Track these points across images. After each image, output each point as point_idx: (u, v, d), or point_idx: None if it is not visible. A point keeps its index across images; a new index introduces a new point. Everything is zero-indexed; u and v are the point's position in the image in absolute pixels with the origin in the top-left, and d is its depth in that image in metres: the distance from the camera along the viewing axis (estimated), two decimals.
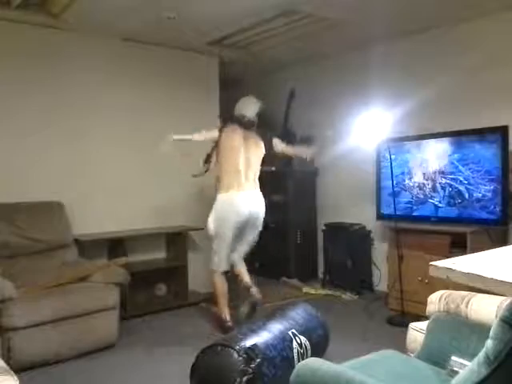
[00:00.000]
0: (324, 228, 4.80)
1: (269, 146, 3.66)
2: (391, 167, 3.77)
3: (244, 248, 3.63)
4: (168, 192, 4.46)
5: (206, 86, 4.76)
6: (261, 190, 3.57)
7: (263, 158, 3.63)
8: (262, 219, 3.56)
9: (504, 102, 3.55)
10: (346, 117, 4.12)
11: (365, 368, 1.65)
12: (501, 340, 1.02)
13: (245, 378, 2.10)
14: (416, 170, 3.88)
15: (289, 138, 4.47)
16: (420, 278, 3.55)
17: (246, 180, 3.48)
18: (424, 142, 3.84)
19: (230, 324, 3.37)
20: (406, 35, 4.12)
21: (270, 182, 4.19)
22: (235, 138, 3.52)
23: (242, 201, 3.41)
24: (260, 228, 3.59)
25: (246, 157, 3.52)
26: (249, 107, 3.60)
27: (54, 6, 3.45)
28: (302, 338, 2.50)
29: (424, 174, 3.83)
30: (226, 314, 3.44)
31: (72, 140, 3.93)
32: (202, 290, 4.48)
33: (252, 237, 3.60)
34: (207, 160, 3.63)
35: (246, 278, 3.56)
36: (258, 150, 3.61)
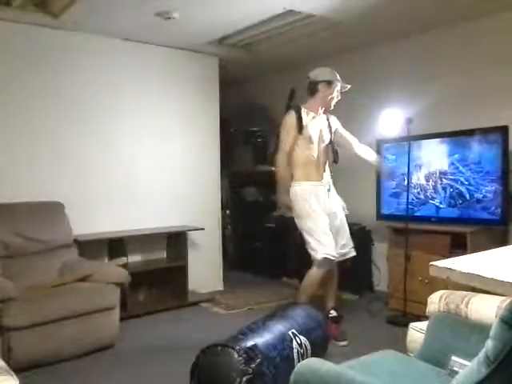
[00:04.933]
0: None
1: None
2: (409, 165, 3.76)
3: None
4: (168, 192, 4.46)
5: (206, 86, 4.76)
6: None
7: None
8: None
9: (504, 101, 3.54)
10: (347, 116, 4.12)
11: (365, 368, 1.65)
12: (501, 340, 1.02)
13: (245, 378, 2.10)
14: (417, 170, 3.88)
15: None
16: (420, 278, 3.55)
17: None
18: (425, 142, 3.84)
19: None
20: (406, 35, 4.12)
21: (269, 181, 4.19)
22: None
23: None
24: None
25: None
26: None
27: (54, 5, 3.45)
28: (302, 337, 2.50)
29: (425, 174, 3.83)
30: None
31: (71, 139, 3.92)
32: (202, 290, 4.48)
33: None
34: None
35: None
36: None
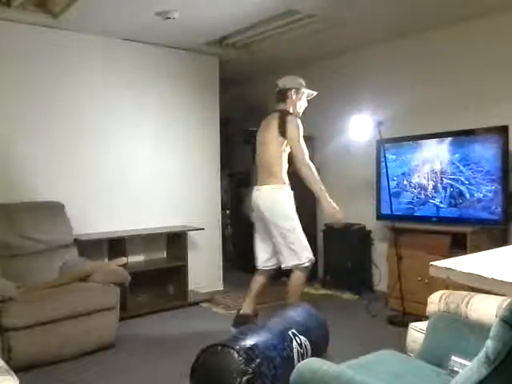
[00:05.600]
0: (324, 228, 4.80)
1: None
2: (387, 167, 3.78)
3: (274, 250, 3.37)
4: (168, 192, 4.46)
5: (206, 86, 4.76)
6: None
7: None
8: (277, 221, 3.22)
9: (504, 101, 3.54)
10: (347, 116, 4.12)
11: (364, 368, 1.65)
12: (501, 340, 1.02)
13: (245, 378, 2.10)
14: (417, 170, 3.88)
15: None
16: (420, 278, 3.55)
17: (260, 174, 3.41)
18: (425, 142, 3.84)
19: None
20: (406, 34, 4.12)
21: None
22: (262, 127, 3.48)
23: (253, 197, 3.37)
24: (277, 231, 3.22)
25: (260, 146, 3.46)
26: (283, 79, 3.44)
27: (54, 5, 3.45)
28: (302, 337, 2.50)
29: (425, 174, 3.83)
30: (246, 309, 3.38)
31: (71, 140, 3.92)
32: (202, 290, 4.48)
33: (275, 240, 3.27)
34: None
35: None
36: (269, 134, 3.34)
